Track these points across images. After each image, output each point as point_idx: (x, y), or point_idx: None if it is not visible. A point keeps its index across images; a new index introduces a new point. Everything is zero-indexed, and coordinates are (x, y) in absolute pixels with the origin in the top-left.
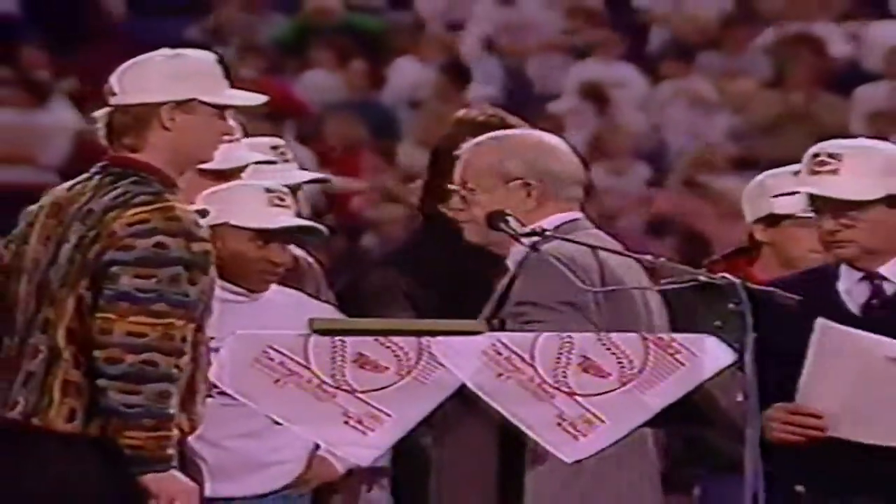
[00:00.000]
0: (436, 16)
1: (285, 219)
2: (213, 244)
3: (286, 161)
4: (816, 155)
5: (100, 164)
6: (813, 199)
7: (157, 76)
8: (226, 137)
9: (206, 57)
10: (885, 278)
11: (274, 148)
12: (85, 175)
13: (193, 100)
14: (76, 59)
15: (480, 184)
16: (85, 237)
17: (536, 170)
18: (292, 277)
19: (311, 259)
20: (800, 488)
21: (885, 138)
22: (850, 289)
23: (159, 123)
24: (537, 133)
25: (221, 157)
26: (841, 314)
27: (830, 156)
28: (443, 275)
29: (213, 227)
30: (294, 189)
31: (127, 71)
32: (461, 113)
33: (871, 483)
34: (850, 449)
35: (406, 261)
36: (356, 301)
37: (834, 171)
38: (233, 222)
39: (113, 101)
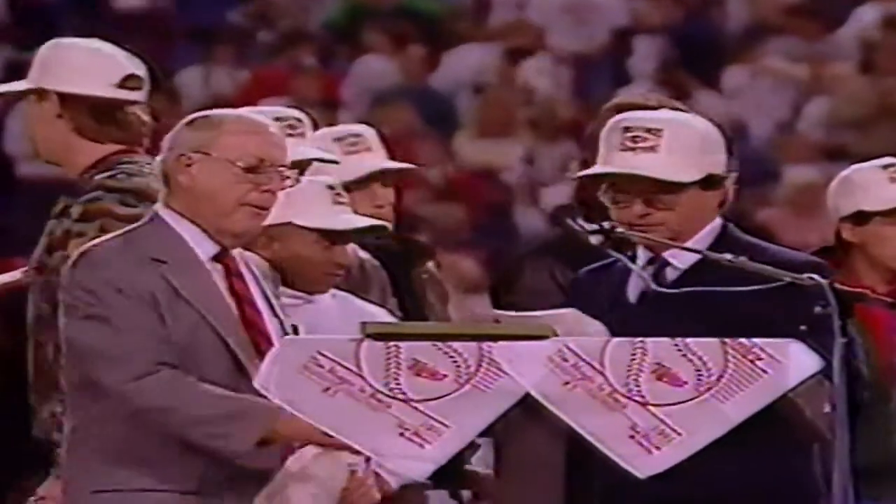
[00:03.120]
0: None
1: (352, 218)
2: (271, 245)
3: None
4: (628, 129)
5: None
6: (617, 178)
7: None
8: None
9: None
10: (668, 263)
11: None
12: None
13: None
14: (123, 44)
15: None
16: None
17: None
18: (357, 282)
19: (376, 262)
20: None
21: None
22: (638, 274)
23: None
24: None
25: None
26: (620, 303)
27: (648, 130)
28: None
29: (273, 227)
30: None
31: None
32: (620, 98)
33: None
34: None
35: (562, 250)
36: (510, 294)
37: (652, 149)
38: (298, 222)
39: None
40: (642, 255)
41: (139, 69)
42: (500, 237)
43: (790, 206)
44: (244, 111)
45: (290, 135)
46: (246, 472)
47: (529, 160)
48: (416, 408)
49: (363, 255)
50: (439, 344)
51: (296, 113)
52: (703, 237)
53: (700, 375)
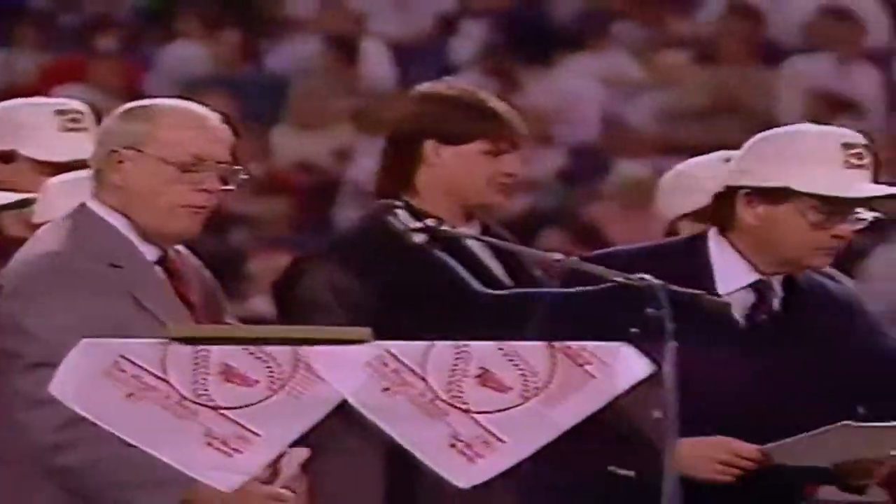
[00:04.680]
0: None
1: None
2: None
3: None
4: (849, 146)
5: None
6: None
7: None
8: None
9: None
10: (771, 287)
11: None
12: None
13: None
14: None
15: None
16: None
17: None
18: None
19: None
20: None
21: (823, 122)
22: (735, 293)
23: None
24: None
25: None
26: (723, 321)
27: (865, 147)
28: (384, 275)
29: None
30: None
31: None
32: (425, 87)
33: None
34: None
35: (348, 255)
36: (288, 302)
37: (867, 167)
38: None
39: None
40: (731, 277)
41: None
42: (322, 235)
43: (620, 201)
44: (182, 102)
45: (72, 129)
46: None
47: (351, 154)
48: (225, 415)
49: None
50: (251, 348)
51: (78, 105)
52: None
53: (526, 380)
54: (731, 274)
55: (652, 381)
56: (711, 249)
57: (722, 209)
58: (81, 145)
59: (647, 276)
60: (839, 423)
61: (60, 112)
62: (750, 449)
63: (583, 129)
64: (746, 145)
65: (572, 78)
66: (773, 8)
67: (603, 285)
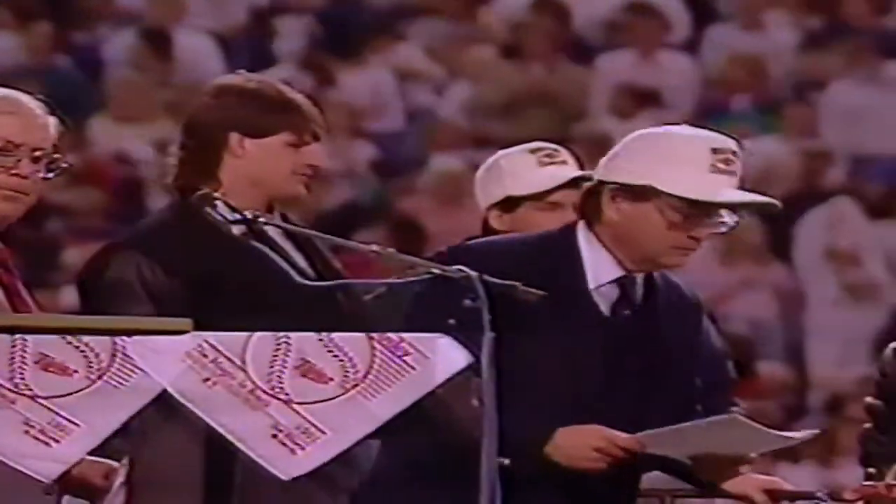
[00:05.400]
0: None
1: None
2: None
3: None
4: (717, 150)
5: None
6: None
7: None
8: None
9: None
10: (634, 283)
11: None
12: None
13: None
14: None
15: None
16: None
17: None
18: None
19: None
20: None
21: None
22: (602, 287)
23: None
24: None
25: None
26: (592, 314)
27: (734, 153)
28: (197, 266)
29: None
30: None
31: None
32: (223, 80)
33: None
34: None
35: (155, 245)
36: (94, 291)
37: (734, 173)
38: None
39: None
40: (602, 270)
41: None
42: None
43: (435, 194)
44: (4, 90)
45: None
46: None
47: (165, 146)
48: (43, 404)
49: None
50: (69, 337)
51: None
52: None
53: (346, 372)
54: (601, 269)
55: (471, 371)
56: (581, 244)
57: (589, 203)
58: None
59: (464, 268)
60: (726, 416)
61: None
62: (625, 438)
63: (396, 124)
64: (621, 143)
65: (384, 72)
66: (577, 3)
67: (420, 276)
